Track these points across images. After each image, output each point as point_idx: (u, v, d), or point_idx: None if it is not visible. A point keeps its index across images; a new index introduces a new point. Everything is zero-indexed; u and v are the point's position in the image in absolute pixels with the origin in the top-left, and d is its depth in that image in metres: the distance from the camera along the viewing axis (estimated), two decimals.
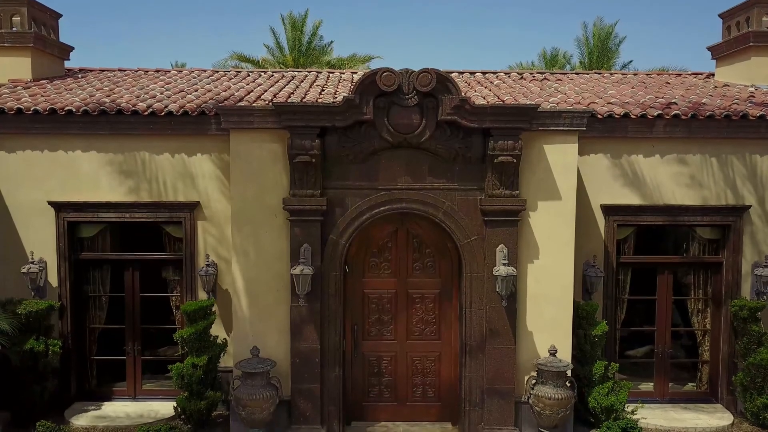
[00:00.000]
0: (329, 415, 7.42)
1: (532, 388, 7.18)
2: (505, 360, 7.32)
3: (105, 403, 8.46)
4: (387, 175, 7.28)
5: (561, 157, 7.30)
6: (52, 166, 8.22)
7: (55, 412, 7.95)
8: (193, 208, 8.28)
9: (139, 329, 8.58)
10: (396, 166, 7.28)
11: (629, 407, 7.72)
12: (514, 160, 7.07)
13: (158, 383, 8.81)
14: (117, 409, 8.29)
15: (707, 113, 8.11)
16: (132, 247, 8.68)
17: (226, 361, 7.98)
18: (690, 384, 9.05)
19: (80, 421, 7.90)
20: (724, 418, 8.16)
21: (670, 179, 8.32)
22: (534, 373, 7.30)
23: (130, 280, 8.52)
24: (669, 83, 10.55)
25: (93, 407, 8.30)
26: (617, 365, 8.13)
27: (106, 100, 8.36)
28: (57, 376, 8.04)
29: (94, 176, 8.24)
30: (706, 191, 8.35)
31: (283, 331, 7.37)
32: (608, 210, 8.31)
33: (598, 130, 8.07)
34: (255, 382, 6.96)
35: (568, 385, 7.17)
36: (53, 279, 8.26)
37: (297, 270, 6.98)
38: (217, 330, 8.11)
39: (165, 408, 8.13)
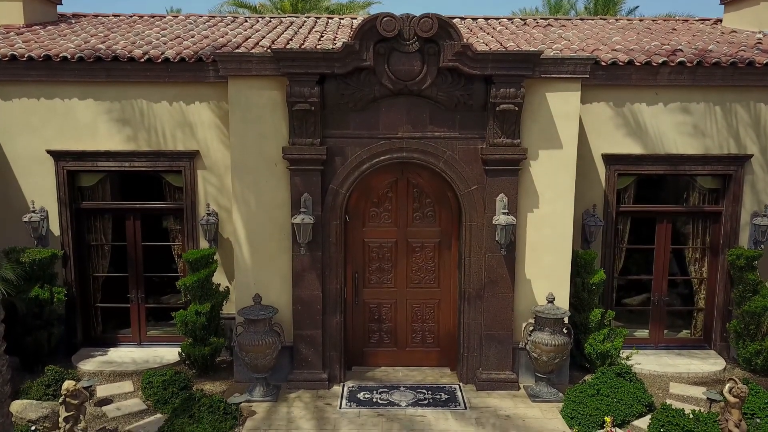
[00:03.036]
0: (330, 360, 7.60)
1: (530, 335, 7.32)
2: (503, 307, 7.43)
3: (111, 348, 8.64)
4: (387, 123, 7.22)
5: (563, 105, 7.22)
6: (50, 115, 8.14)
7: (63, 358, 8.14)
8: (192, 157, 8.24)
9: (142, 277, 8.68)
10: (396, 115, 7.21)
11: (624, 353, 7.88)
12: (516, 109, 6.99)
13: (162, 330, 8.97)
14: (123, 354, 8.47)
15: (713, 60, 7.97)
16: (132, 197, 8.69)
17: (229, 309, 8.10)
18: (684, 331, 9.21)
19: (87, 366, 8.08)
20: (717, 363, 8.34)
21: (673, 128, 8.25)
22: (532, 320, 7.43)
23: (131, 228, 8.56)
24: (675, 29, 10.33)
25: (99, 353, 8.48)
26: (613, 313, 8.27)
27: (101, 46, 8.20)
28: (63, 323, 8.18)
29: (92, 124, 8.17)
30: (708, 140, 8.30)
31: (285, 279, 7.46)
32: (609, 159, 8.27)
33: (602, 77, 7.95)
34: (258, 328, 7.09)
35: (565, 332, 7.30)
36: (55, 228, 8.30)
37: (298, 219, 7.00)
38: (219, 278, 8.21)
39: (170, 353, 8.31)
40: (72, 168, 8.23)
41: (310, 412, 6.92)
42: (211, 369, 7.92)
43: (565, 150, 7.30)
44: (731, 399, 5.81)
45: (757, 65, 7.94)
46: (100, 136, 8.19)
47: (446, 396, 7.34)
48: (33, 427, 6.16)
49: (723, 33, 9.92)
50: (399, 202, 7.74)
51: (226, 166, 8.03)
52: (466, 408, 7.06)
